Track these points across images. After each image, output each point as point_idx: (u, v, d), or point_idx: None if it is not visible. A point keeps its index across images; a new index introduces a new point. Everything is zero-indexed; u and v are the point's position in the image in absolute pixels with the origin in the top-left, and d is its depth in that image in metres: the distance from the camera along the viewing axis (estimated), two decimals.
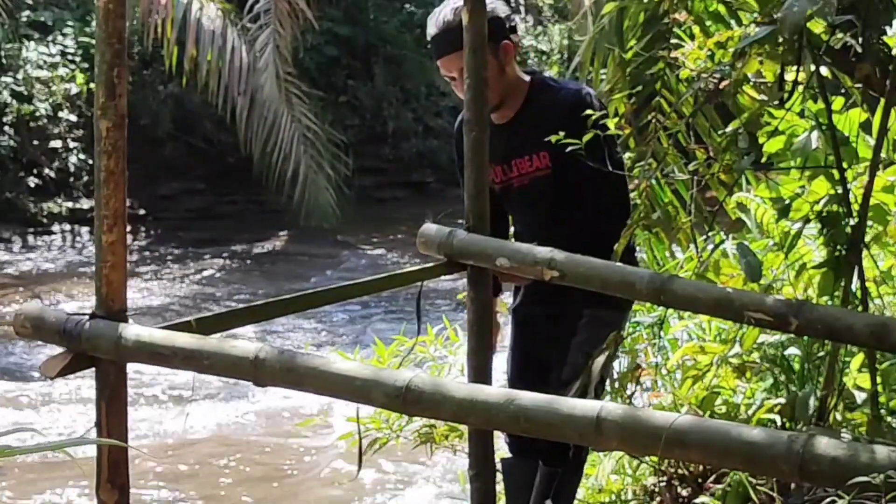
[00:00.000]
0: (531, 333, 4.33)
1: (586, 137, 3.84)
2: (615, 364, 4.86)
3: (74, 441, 2.10)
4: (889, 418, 4.01)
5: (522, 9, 23.24)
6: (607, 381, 4.22)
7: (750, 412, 4.26)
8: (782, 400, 4.20)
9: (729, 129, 3.89)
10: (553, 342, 4.24)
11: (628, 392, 4.70)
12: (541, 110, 4.21)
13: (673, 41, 4.53)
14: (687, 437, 2.69)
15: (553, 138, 3.88)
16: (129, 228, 3.14)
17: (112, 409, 3.19)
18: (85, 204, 17.01)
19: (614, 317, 4.19)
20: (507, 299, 4.90)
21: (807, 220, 4.00)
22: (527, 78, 4.30)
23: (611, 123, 3.92)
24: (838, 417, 4.06)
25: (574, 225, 4.21)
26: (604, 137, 3.92)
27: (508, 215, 4.46)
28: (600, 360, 3.83)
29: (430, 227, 3.96)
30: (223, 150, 18.39)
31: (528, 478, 4.30)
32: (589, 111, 3.93)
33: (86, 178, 17.24)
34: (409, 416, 4.51)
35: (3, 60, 17.17)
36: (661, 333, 4.88)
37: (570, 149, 3.85)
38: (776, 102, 3.73)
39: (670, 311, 4.77)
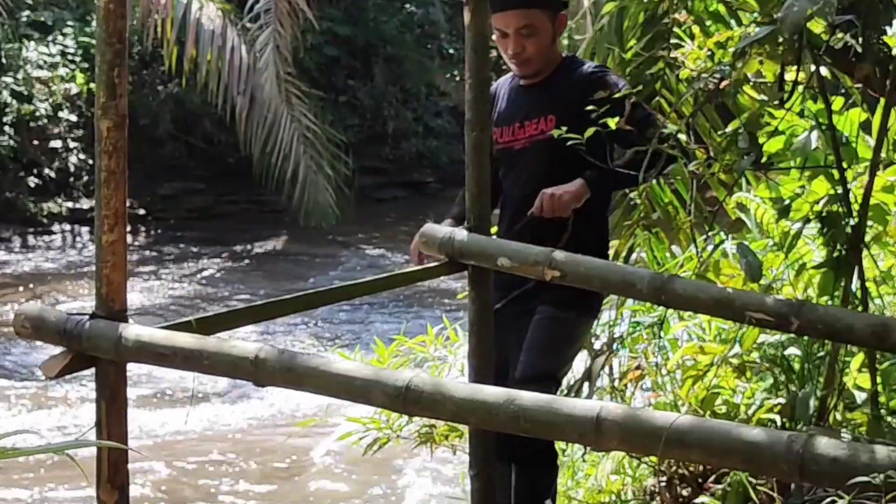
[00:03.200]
0: (497, 330, 4.24)
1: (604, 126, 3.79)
2: (615, 364, 4.87)
3: (74, 444, 2.10)
4: (889, 418, 4.01)
5: None
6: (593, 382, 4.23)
7: (750, 412, 4.26)
8: (782, 400, 4.20)
9: (729, 129, 3.89)
10: (516, 340, 4.18)
11: (628, 392, 4.70)
12: (564, 80, 4.23)
13: (673, 41, 4.53)
14: (687, 437, 2.69)
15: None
16: (129, 228, 3.15)
17: (112, 408, 3.19)
18: (85, 204, 17.00)
19: (570, 318, 4.13)
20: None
21: (807, 220, 4.00)
22: (559, 53, 4.31)
23: (611, 123, 3.88)
24: (838, 417, 4.06)
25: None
26: (633, 104, 3.89)
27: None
28: (599, 361, 3.83)
29: (430, 227, 3.96)
30: (223, 150, 18.38)
31: (506, 482, 4.24)
32: (605, 84, 3.98)
33: (86, 178, 17.24)
34: (410, 416, 4.51)
35: (3, 60, 17.17)
36: (661, 333, 4.88)
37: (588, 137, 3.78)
38: (776, 102, 3.73)
39: (671, 311, 4.77)
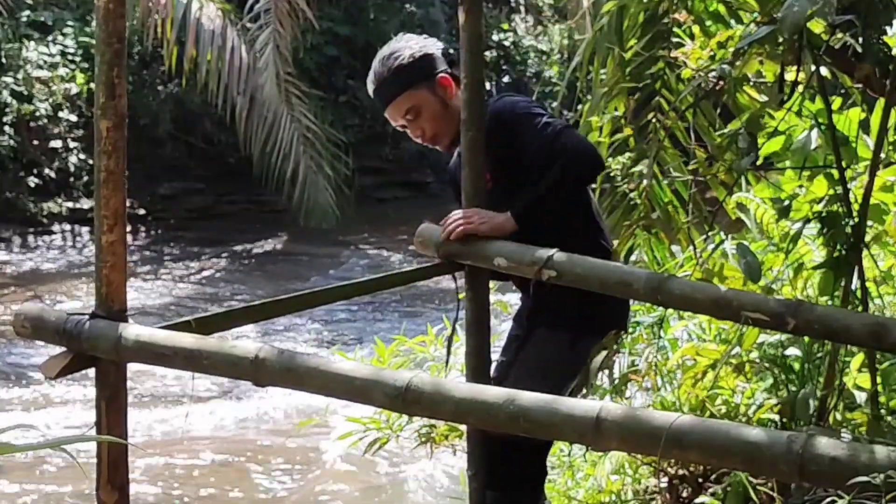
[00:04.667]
0: (506, 350, 4.15)
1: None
2: (615, 364, 4.87)
3: (74, 438, 2.10)
4: (889, 418, 4.01)
5: (522, 9, 23.26)
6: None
7: (750, 412, 4.26)
8: (782, 400, 4.20)
9: (729, 129, 3.90)
10: (505, 363, 4.09)
11: (628, 392, 4.70)
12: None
13: (673, 41, 4.53)
14: (686, 438, 2.69)
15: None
16: (129, 228, 3.15)
17: (112, 408, 3.20)
18: (85, 204, 17.01)
19: (564, 339, 3.98)
20: (504, 298, 4.87)
21: (807, 220, 4.00)
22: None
23: (596, 123, 3.88)
24: (838, 417, 4.06)
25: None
26: (538, 125, 3.83)
27: None
28: (599, 361, 3.83)
29: (427, 227, 3.96)
30: (223, 150, 18.39)
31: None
32: (505, 115, 3.89)
33: (86, 178, 17.24)
34: (410, 415, 4.51)
35: (3, 60, 17.17)
36: (661, 333, 4.88)
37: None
38: (776, 102, 3.73)
39: (671, 311, 4.76)
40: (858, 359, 4.03)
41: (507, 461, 3.92)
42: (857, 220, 3.79)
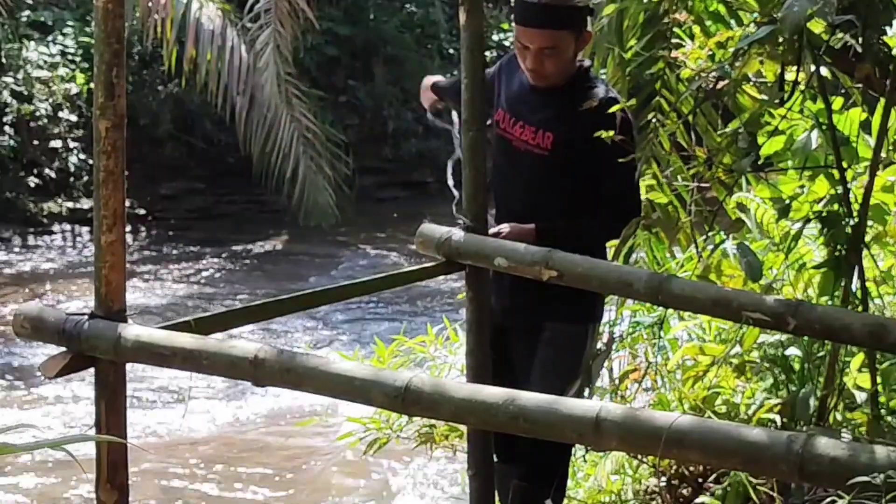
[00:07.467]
0: (495, 343, 4.12)
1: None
2: (615, 364, 4.87)
3: (74, 438, 2.10)
4: (889, 418, 4.01)
5: None
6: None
7: (750, 412, 4.26)
8: (782, 400, 4.20)
9: (729, 129, 3.90)
10: (517, 355, 4.14)
11: (628, 392, 4.70)
12: (572, 98, 4.09)
13: (673, 41, 4.53)
14: (686, 437, 2.69)
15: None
16: (129, 228, 3.15)
17: (111, 408, 3.19)
18: (85, 204, 16.98)
19: (578, 332, 4.09)
20: None
21: (807, 220, 4.01)
22: (576, 64, 4.23)
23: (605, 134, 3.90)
24: (838, 417, 4.06)
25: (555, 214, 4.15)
26: (623, 145, 3.90)
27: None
28: (599, 361, 3.83)
29: (427, 227, 3.96)
30: (223, 150, 18.37)
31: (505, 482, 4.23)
32: (612, 124, 3.94)
33: (86, 178, 17.22)
34: (409, 416, 4.51)
35: (3, 60, 17.16)
36: (661, 333, 4.88)
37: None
38: (776, 102, 3.73)
39: (671, 311, 4.76)
40: (858, 359, 4.03)
41: (535, 451, 3.93)
42: (857, 220, 3.79)
